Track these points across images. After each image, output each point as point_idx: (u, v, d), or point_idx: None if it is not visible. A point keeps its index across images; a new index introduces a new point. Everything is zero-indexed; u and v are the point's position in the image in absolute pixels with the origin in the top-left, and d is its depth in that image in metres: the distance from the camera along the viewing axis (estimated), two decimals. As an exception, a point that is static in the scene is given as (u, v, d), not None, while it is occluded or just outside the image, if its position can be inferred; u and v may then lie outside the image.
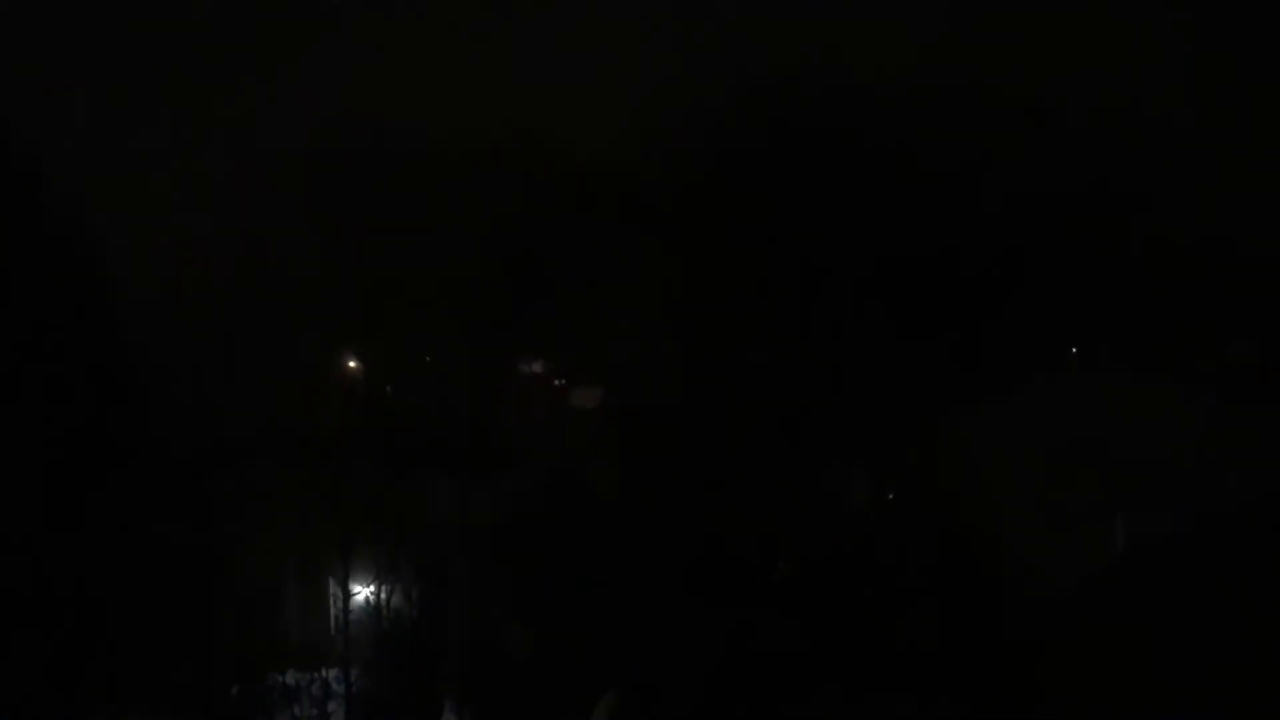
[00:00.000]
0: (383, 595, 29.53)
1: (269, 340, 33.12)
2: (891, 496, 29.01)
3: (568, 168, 36.08)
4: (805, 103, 30.57)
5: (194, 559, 26.34)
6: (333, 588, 30.13)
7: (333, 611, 30.37)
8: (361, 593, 29.72)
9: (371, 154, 36.74)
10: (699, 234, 30.33)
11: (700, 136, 31.18)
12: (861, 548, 26.13)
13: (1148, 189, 34.94)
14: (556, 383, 38.71)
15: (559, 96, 37.17)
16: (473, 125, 36.88)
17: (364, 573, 29.43)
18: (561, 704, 25.45)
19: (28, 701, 23.31)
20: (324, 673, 28.32)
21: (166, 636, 26.09)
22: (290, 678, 27.79)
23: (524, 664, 27.37)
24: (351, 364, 37.46)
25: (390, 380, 37.38)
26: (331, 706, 28.15)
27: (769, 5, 35.29)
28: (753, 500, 26.92)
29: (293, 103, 36.67)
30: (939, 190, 30.39)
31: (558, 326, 36.26)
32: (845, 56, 31.30)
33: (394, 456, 30.18)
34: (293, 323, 33.97)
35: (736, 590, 25.62)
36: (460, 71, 37.36)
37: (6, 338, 24.74)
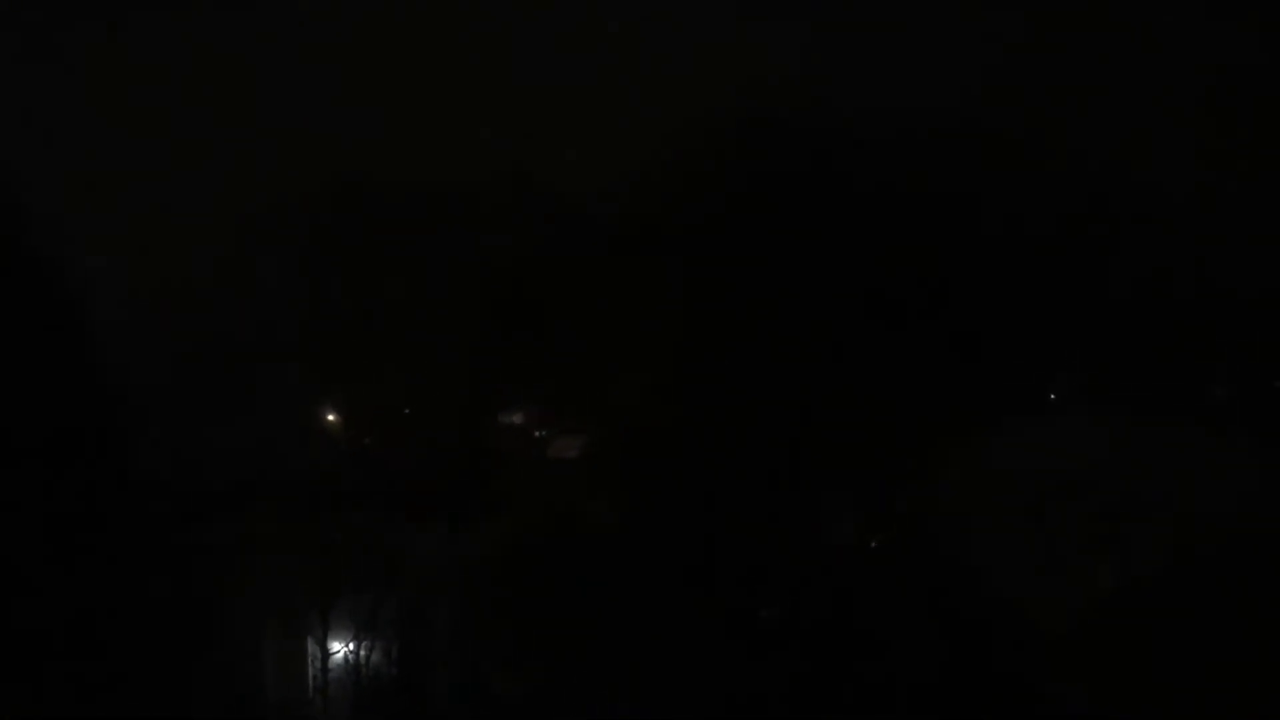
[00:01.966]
0: (363, 651, 29.02)
1: (249, 389, 32.90)
2: (880, 537, 28.82)
3: (555, 210, 36.15)
4: (795, 138, 30.74)
5: (172, 612, 25.90)
6: (311, 646, 29.60)
7: (311, 672, 29.81)
8: (341, 650, 29.21)
9: (358, 200, 36.72)
10: (689, 274, 30.35)
11: (693, 172, 31.27)
12: (850, 587, 25.90)
13: (1132, 227, 35.24)
14: (537, 434, 38.49)
15: (548, 136, 37.30)
16: (459, 169, 36.95)
17: (346, 626, 28.94)
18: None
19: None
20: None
21: (141, 695, 25.56)
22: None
23: (513, 710, 26.91)
24: (332, 416, 37.19)
25: (372, 430, 37.09)
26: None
27: (760, 38, 35.58)
28: (742, 541, 26.71)
29: (280, 148, 36.71)
30: (926, 229, 30.56)
31: (545, 372, 36.14)
32: (835, 90, 31.55)
33: (377, 506, 29.89)
34: (274, 371, 33.75)
35: (726, 631, 25.31)
36: (448, 114, 37.49)
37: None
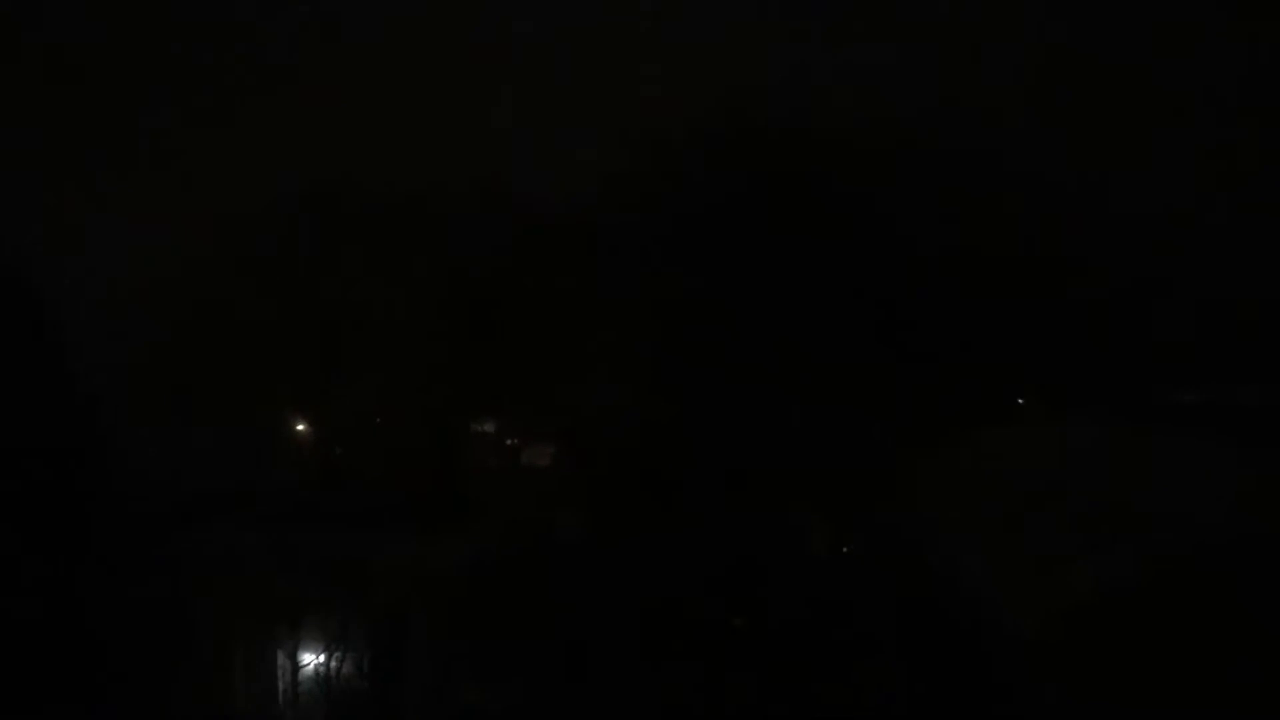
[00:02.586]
0: (333, 664, 28.67)
1: (215, 399, 32.52)
2: (853, 545, 28.79)
3: (523, 218, 35.94)
4: (767, 145, 30.70)
5: (139, 624, 25.53)
6: (281, 658, 29.24)
7: (280, 684, 29.44)
8: (312, 662, 28.85)
9: (325, 205, 36.37)
10: (661, 281, 30.26)
11: (667, 178, 31.18)
12: (824, 596, 25.82)
13: (1103, 234, 35.44)
14: (509, 441, 38.26)
15: (515, 144, 37.13)
16: (427, 177, 36.69)
17: (317, 638, 28.61)
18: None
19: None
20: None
21: (108, 708, 25.16)
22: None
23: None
24: (302, 425, 36.83)
25: (343, 439, 36.75)
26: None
27: (733, 48, 35.61)
28: (715, 549, 26.59)
29: (244, 156, 36.37)
30: (896, 237, 30.61)
31: (514, 381, 35.89)
32: (810, 101, 31.54)
33: (347, 516, 29.59)
34: (240, 380, 33.36)
35: (700, 640, 25.16)
36: (417, 118, 37.26)
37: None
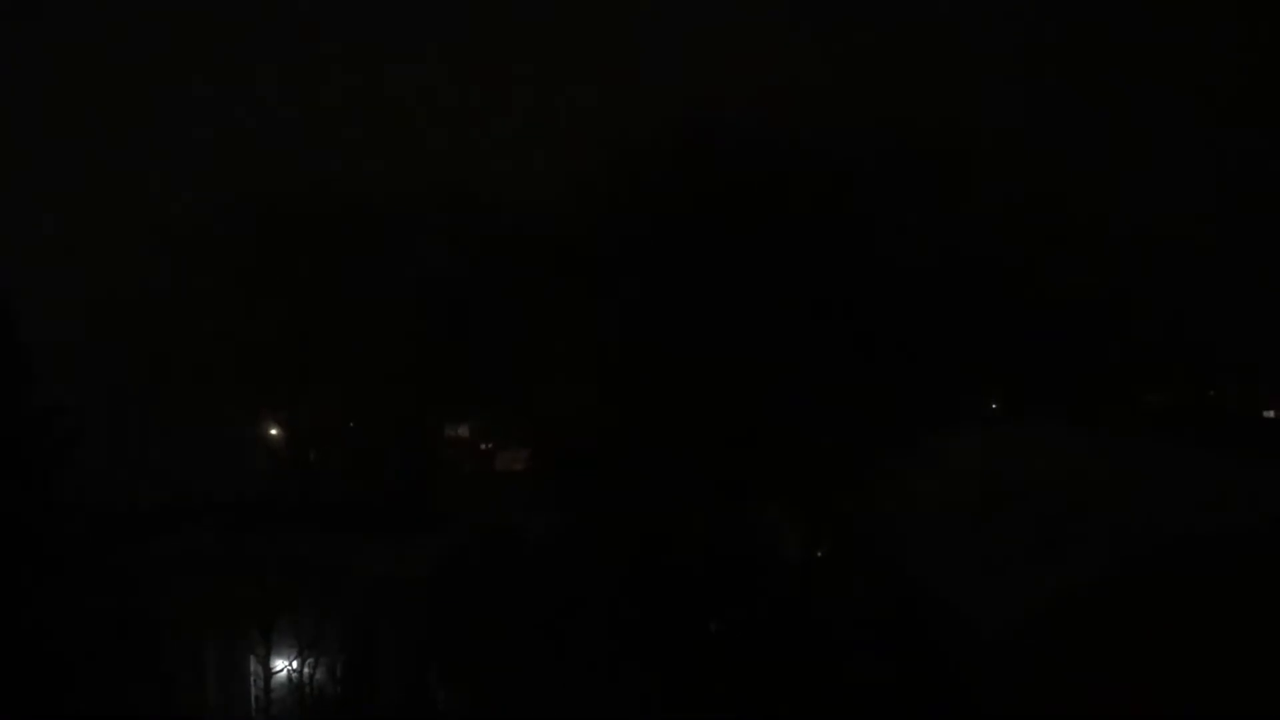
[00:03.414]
0: (306, 669, 28.62)
1: (189, 404, 32.42)
2: (825, 548, 29.00)
3: (493, 225, 36.03)
4: (733, 153, 30.88)
5: (113, 631, 25.41)
6: (254, 665, 29.16)
7: (253, 690, 29.37)
8: (284, 668, 28.81)
9: (297, 216, 36.29)
10: (629, 288, 30.38)
11: (635, 187, 31.30)
12: (794, 598, 26.01)
13: (1073, 245, 35.95)
14: (484, 446, 38.35)
15: (484, 153, 37.27)
16: (398, 185, 36.77)
17: (289, 644, 28.54)
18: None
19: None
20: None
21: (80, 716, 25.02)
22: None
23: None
24: (275, 430, 36.78)
25: (316, 444, 36.69)
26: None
27: (698, 55, 35.88)
28: (688, 554, 26.74)
29: (214, 164, 36.36)
30: (865, 241, 30.87)
31: (486, 388, 35.93)
32: (775, 106, 31.77)
33: (320, 521, 29.54)
34: (213, 386, 33.24)
35: (674, 645, 25.29)
36: (387, 132, 37.41)
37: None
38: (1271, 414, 43.47)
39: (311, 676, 28.61)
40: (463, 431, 38.93)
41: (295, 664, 28.61)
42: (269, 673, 28.69)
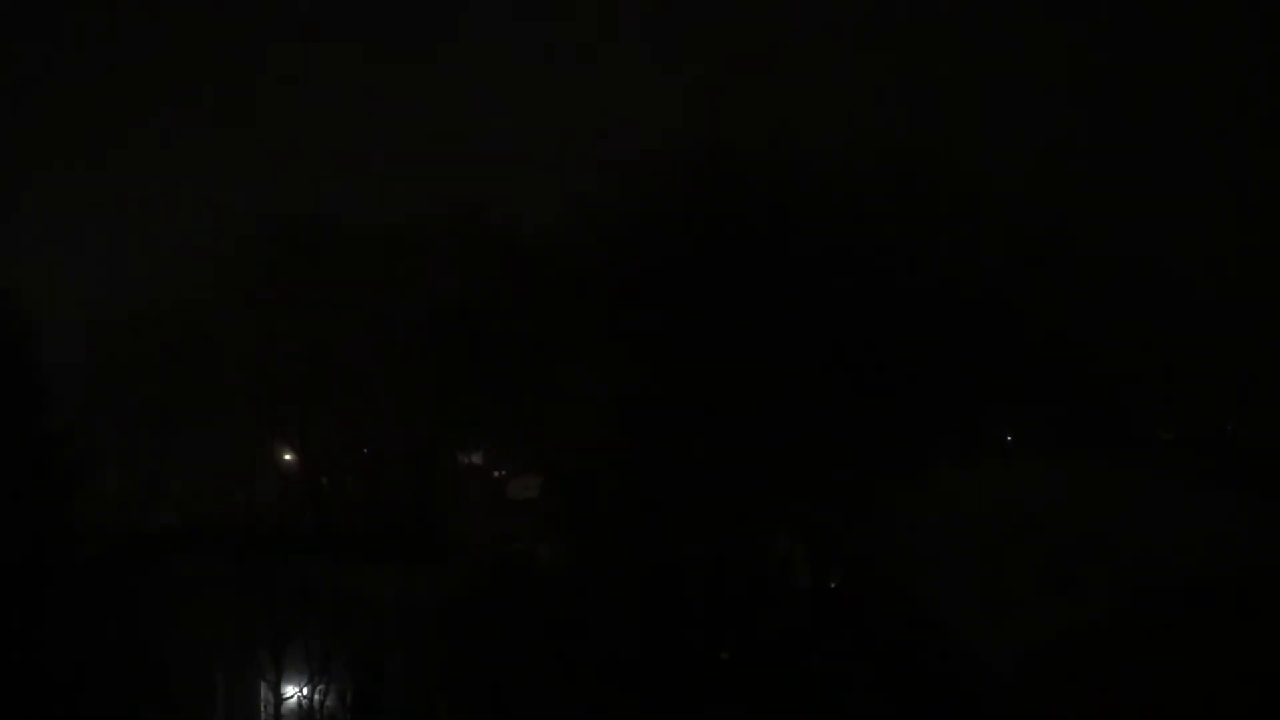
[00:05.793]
0: (317, 695, 28.58)
1: (202, 429, 32.48)
2: (836, 579, 28.89)
3: (507, 253, 36.09)
4: (745, 185, 30.92)
5: (124, 655, 25.42)
6: (264, 690, 29.13)
7: (263, 716, 29.31)
8: (295, 694, 28.77)
9: (308, 242, 36.42)
10: (639, 320, 30.39)
11: (642, 218, 31.39)
12: (807, 629, 25.88)
13: (1085, 275, 35.88)
14: (496, 473, 38.30)
15: (498, 181, 37.40)
16: (412, 212, 36.90)
17: (300, 669, 28.50)
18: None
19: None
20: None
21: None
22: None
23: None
24: (288, 455, 36.79)
25: (329, 470, 36.65)
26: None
27: (712, 85, 35.96)
28: (700, 583, 26.66)
29: (229, 189, 36.62)
30: (875, 276, 30.84)
31: (498, 414, 35.91)
32: (786, 137, 31.81)
33: (333, 546, 29.53)
34: (227, 412, 33.30)
35: (685, 673, 25.17)
36: (399, 158, 37.65)
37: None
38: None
39: (322, 703, 28.56)
40: (475, 459, 38.88)
41: (305, 690, 28.58)
42: (279, 698, 28.66)
